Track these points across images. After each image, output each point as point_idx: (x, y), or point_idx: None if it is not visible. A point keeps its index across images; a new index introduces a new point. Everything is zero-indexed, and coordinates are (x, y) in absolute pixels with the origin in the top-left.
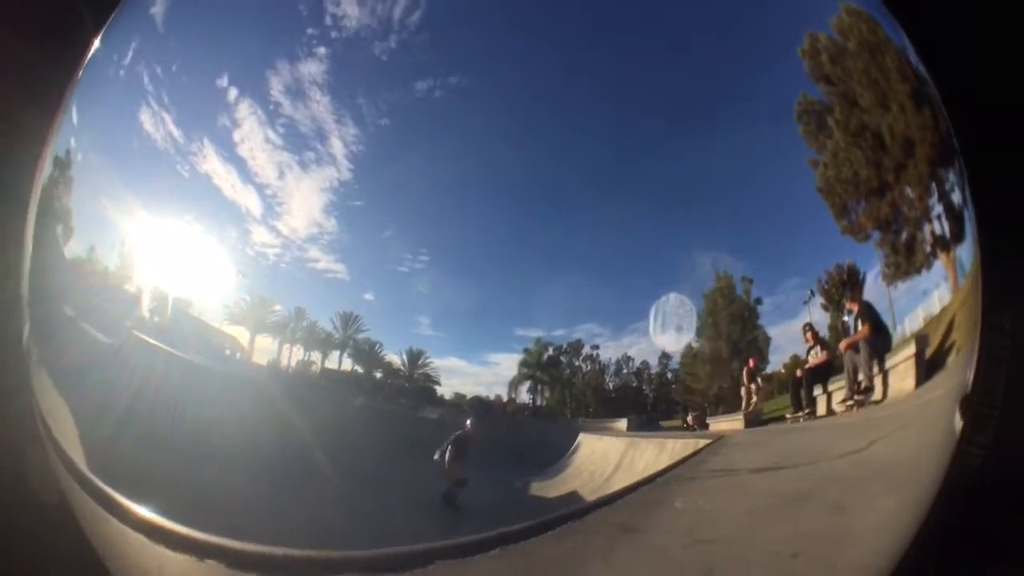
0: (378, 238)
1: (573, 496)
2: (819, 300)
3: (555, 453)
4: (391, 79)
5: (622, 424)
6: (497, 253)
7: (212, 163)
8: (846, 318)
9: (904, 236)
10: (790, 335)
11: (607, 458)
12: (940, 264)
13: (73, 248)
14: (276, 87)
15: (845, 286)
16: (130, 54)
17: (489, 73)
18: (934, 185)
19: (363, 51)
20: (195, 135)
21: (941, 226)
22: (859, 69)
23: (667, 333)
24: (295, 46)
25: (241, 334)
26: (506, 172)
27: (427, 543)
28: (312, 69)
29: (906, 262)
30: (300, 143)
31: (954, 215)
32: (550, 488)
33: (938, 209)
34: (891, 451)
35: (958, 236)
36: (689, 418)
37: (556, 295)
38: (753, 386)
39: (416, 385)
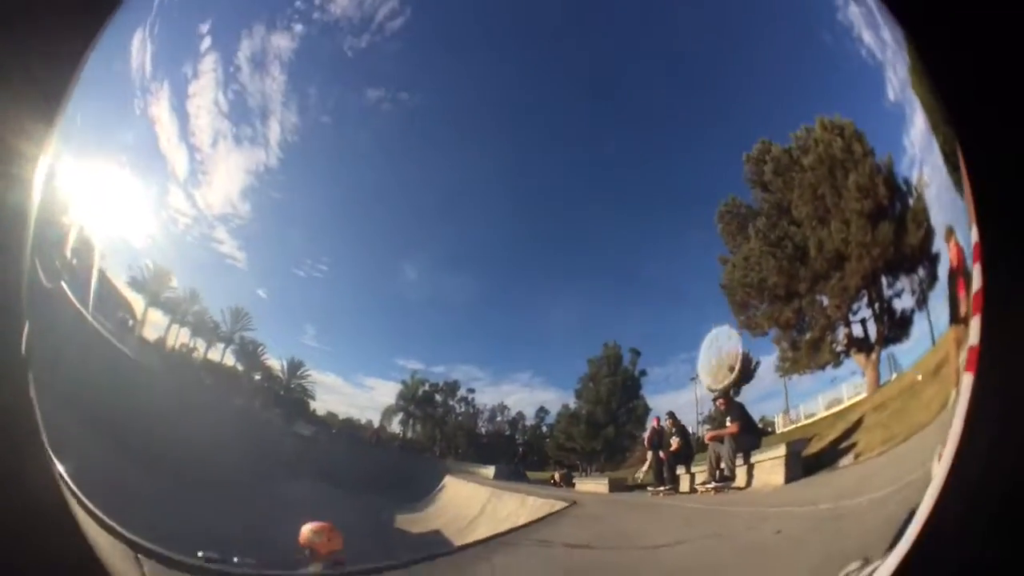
0: (285, 236)
1: (436, 535)
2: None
3: (420, 490)
4: (346, 78)
5: (490, 471)
6: (392, 280)
7: (161, 107)
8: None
9: (808, 336)
10: (675, 406)
11: (470, 504)
12: (854, 363)
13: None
14: (244, 49)
15: (732, 371)
16: None
17: (433, 103)
18: (866, 293)
19: (333, 41)
20: (160, 73)
21: (865, 329)
22: (805, 183)
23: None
24: (275, 12)
25: (137, 302)
26: (424, 204)
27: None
28: (281, 43)
29: (807, 358)
30: (242, 115)
31: (895, 320)
32: (413, 523)
33: (865, 314)
34: (682, 557)
35: (896, 339)
36: (556, 475)
37: (440, 332)
38: (661, 452)
39: (292, 395)
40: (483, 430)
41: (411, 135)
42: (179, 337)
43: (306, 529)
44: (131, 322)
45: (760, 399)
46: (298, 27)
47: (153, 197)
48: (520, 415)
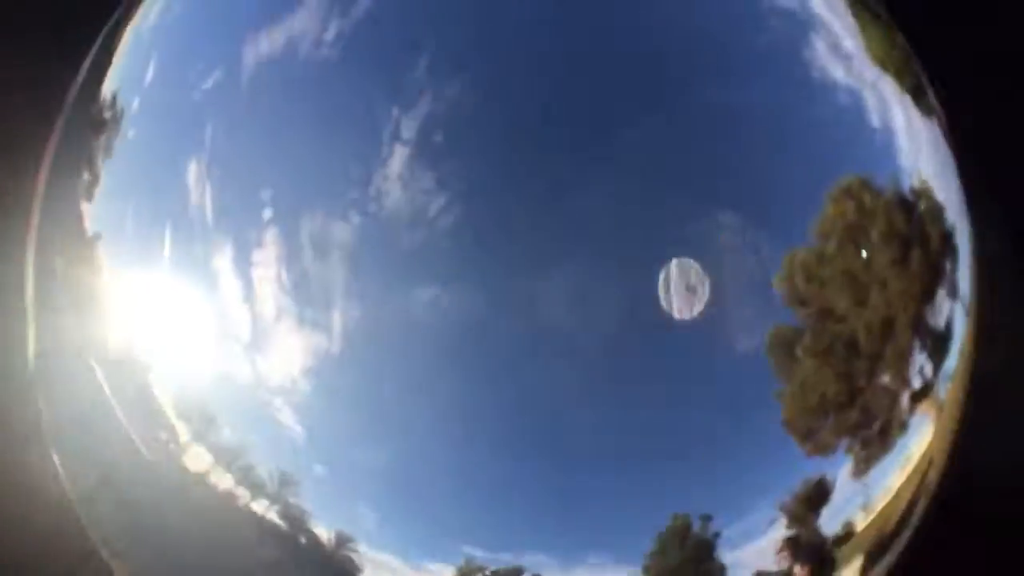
0: (348, 419)
1: None
2: (783, 520)
3: None
4: (403, 274)
5: None
6: (460, 467)
7: (225, 263)
8: None
9: (876, 425)
10: (753, 555)
11: None
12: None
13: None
14: (306, 231)
15: (810, 503)
16: None
17: (485, 308)
18: (916, 341)
19: (390, 235)
20: (224, 226)
21: (922, 375)
22: (836, 274)
23: None
24: (336, 200)
25: (183, 430)
26: (487, 400)
27: None
28: (341, 233)
29: (880, 446)
30: (305, 298)
31: (941, 345)
32: None
33: (921, 361)
34: None
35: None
36: None
37: (510, 518)
38: None
39: (336, 565)
40: None
41: (468, 341)
42: (222, 481)
43: None
44: (171, 444)
45: (839, 511)
46: (356, 218)
47: (214, 348)
48: None
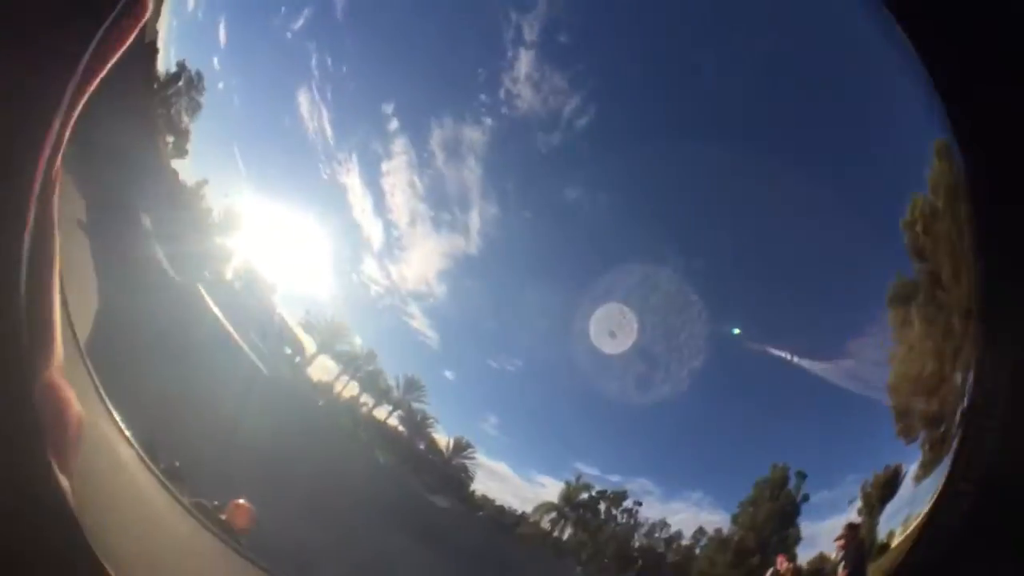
0: (479, 325)
1: None
2: (857, 503)
3: None
4: (541, 175)
5: None
6: (592, 385)
7: (353, 178)
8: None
9: (941, 429)
10: (828, 535)
11: None
12: None
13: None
14: (436, 137)
15: (885, 489)
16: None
17: (630, 204)
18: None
19: (526, 136)
20: (347, 145)
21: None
22: (943, 231)
23: None
24: (465, 104)
25: (309, 343)
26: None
27: None
28: (474, 135)
29: (936, 454)
30: (440, 201)
31: None
32: None
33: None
34: None
35: None
36: None
37: (629, 441)
38: None
39: (450, 471)
40: (636, 543)
41: (610, 237)
42: (347, 388)
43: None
44: (297, 357)
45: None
46: (488, 120)
47: (345, 260)
48: (679, 533)
